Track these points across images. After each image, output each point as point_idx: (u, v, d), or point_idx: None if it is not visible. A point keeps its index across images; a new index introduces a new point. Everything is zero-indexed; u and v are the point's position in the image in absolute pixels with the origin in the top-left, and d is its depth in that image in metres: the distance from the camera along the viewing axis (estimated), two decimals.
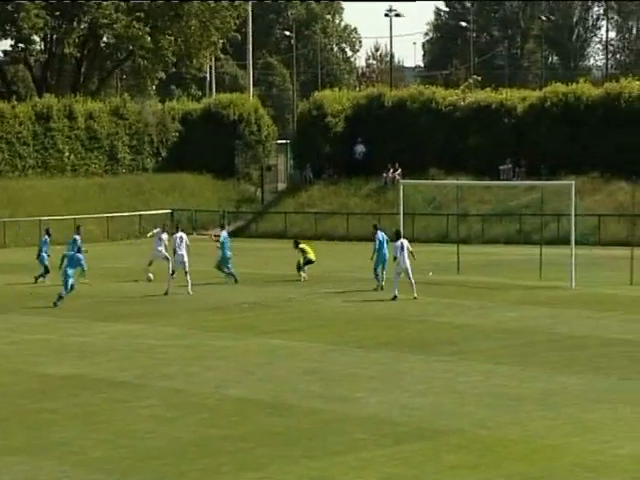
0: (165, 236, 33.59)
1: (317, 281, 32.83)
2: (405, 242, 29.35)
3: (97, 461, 14.20)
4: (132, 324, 25.66)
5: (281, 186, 59.85)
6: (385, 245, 31.05)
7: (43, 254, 33.97)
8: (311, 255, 33.63)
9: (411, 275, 28.90)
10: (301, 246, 33.87)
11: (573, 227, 31.73)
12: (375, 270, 30.85)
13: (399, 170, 51.99)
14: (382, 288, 30.32)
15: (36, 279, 33.68)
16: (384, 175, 52.86)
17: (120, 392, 18.23)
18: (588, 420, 15.81)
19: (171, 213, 53.09)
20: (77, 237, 33.04)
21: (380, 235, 31.38)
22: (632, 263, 31.34)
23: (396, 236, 29.91)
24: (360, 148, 55.14)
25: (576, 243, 31.68)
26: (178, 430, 15.68)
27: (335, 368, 19.90)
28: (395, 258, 29.14)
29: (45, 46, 64.33)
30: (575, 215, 32.09)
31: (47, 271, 33.61)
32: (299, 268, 33.41)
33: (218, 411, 16.78)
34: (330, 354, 21.30)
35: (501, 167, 50.51)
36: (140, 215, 52.47)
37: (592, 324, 24.53)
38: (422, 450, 14.43)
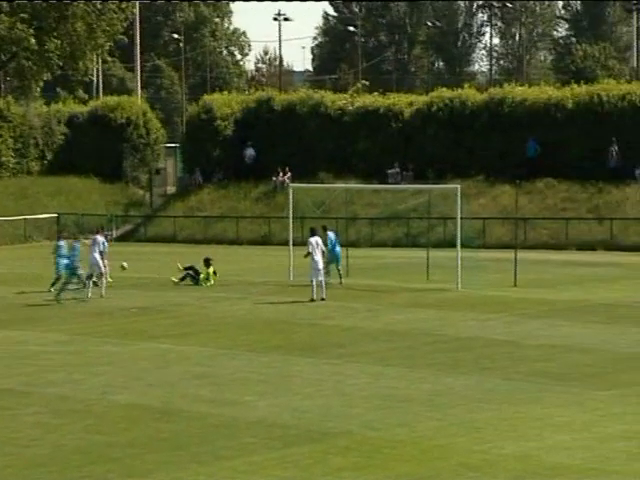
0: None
1: (208, 285, 32.67)
2: (319, 240, 29.85)
3: None
4: (14, 330, 25.14)
5: (170, 190, 59.47)
6: (337, 244, 32.28)
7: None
8: (205, 280, 32.90)
9: (322, 276, 29.22)
10: (210, 270, 33.15)
11: (459, 230, 32.20)
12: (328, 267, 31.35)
13: (289, 174, 52.12)
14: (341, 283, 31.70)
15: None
16: (274, 179, 52.93)
17: (4, 400, 17.84)
18: (474, 420, 16.06)
19: (57, 217, 52.27)
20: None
21: (331, 235, 32.35)
22: (516, 265, 31.96)
23: (311, 233, 30.23)
24: (250, 152, 55.11)
25: (462, 246, 32.16)
26: (64, 437, 15.42)
27: (225, 372, 19.83)
28: (307, 254, 29.36)
29: None
30: (461, 218, 32.57)
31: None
32: (183, 278, 32.83)
33: (105, 417, 16.56)
34: (220, 358, 21.22)
35: (389, 171, 51.03)
36: (25, 219, 51.51)
37: (477, 326, 24.93)
38: (311, 453, 14.47)
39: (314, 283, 29.07)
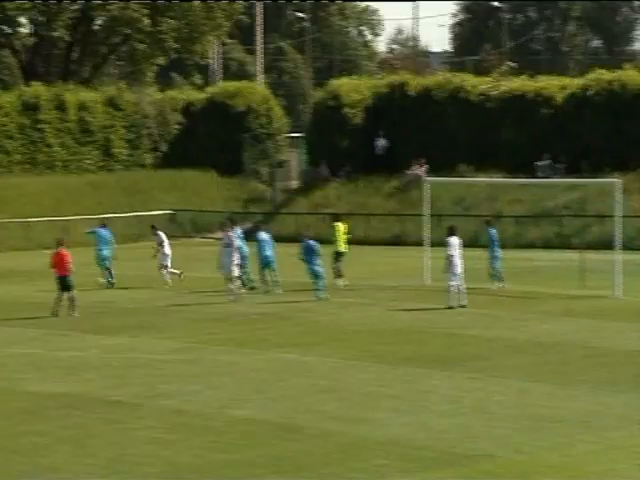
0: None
1: (334, 290, 32.81)
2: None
3: None
4: (126, 337, 25.71)
5: (294, 184, 59.81)
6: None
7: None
8: (340, 244, 33.43)
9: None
10: (337, 223, 33.91)
11: (618, 230, 31.66)
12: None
13: (425, 166, 51.95)
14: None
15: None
16: (408, 172, 52.81)
17: (115, 412, 18.27)
18: (635, 445, 15.78)
19: (172, 214, 53.12)
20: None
21: (493, 232, 33.27)
22: None
23: (449, 233, 29.93)
24: (381, 142, 55.11)
25: (622, 248, 31.61)
26: (178, 454, 15.70)
27: (353, 386, 19.91)
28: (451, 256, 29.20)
29: (33, 29, 64.46)
30: (621, 216, 32.02)
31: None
32: (336, 273, 33.27)
33: (223, 433, 16.80)
34: (348, 370, 21.32)
35: (538, 163, 50.43)
36: (137, 216, 52.45)
37: (639, 338, 24.47)
38: (451, 477, 14.42)
39: (452, 288, 28.96)
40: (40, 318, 28.44)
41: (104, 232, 35.59)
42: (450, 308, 28.77)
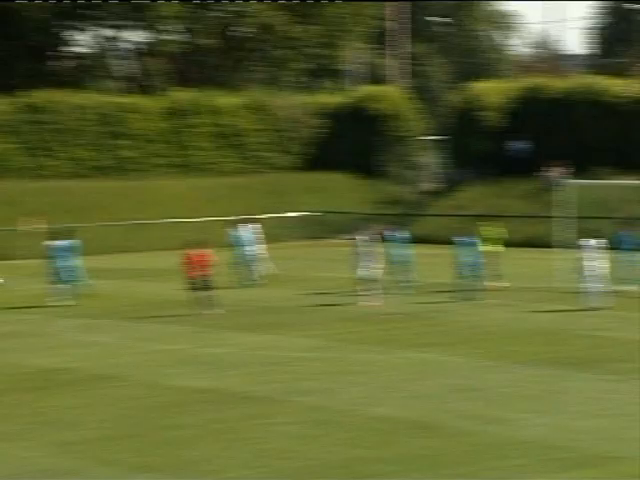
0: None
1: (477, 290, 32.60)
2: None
3: None
4: (267, 334, 25.99)
5: (432, 186, 59.57)
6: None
7: None
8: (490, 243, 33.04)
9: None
10: (482, 228, 33.34)
11: None
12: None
13: (564, 169, 51.19)
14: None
15: None
16: (547, 174, 52.14)
17: (257, 408, 18.48)
18: None
19: (313, 215, 53.31)
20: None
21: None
22: None
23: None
24: (520, 145, 54.54)
25: None
26: (319, 450, 15.80)
27: (491, 386, 19.76)
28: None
29: (180, 37, 65.53)
30: None
31: None
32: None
33: (362, 430, 16.84)
34: (486, 371, 21.17)
35: None
36: (278, 217, 52.88)
37: None
38: (593, 478, 14.20)
39: (589, 290, 28.47)
40: (182, 316, 28.93)
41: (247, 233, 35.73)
42: (591, 310, 28.31)
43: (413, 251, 33.60)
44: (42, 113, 53.31)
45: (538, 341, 24.47)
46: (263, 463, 15.20)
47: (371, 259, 31.33)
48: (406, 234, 33.62)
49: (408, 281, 32.71)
